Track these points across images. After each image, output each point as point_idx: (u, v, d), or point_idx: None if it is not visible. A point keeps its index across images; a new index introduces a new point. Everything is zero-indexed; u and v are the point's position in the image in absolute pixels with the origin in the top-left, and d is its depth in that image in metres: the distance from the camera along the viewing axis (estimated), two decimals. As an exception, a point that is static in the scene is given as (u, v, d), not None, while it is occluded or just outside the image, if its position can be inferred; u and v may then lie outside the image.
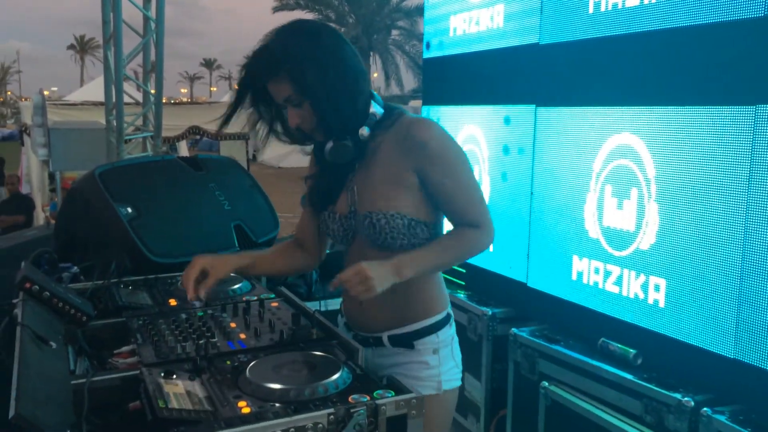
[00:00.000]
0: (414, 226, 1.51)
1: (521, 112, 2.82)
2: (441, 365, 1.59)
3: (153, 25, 5.40)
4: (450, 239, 1.56)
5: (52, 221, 6.72)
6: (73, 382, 1.27)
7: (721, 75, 1.98)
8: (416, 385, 1.50)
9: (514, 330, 2.65)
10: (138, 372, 1.33)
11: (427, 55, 3.55)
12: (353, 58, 1.50)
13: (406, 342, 1.59)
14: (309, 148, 1.63)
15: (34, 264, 1.88)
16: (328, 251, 1.77)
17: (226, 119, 1.53)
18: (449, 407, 1.65)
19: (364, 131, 1.50)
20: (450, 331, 1.64)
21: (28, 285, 1.54)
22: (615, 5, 2.32)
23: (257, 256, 1.71)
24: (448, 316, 1.64)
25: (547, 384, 2.42)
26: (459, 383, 1.66)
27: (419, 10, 21.99)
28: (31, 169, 9.43)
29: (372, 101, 1.52)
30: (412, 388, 1.28)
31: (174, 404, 1.17)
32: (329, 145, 1.51)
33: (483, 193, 1.57)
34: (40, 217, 8.45)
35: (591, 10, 2.43)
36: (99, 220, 2.22)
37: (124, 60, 5.28)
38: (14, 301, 1.62)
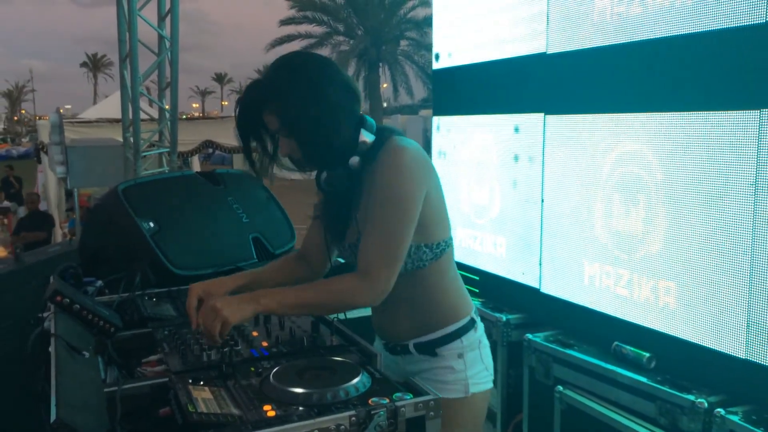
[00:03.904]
0: (414, 250, 1.55)
1: (530, 120, 2.86)
2: (467, 369, 1.63)
3: (167, 43, 5.51)
4: (322, 282, 1.60)
5: (70, 237, 6.85)
6: (105, 389, 1.33)
7: (727, 80, 2.02)
8: (442, 388, 1.55)
9: (528, 335, 2.68)
10: (167, 379, 1.39)
11: (436, 65, 3.61)
12: (339, 93, 1.50)
13: (430, 349, 1.65)
14: None
15: (59, 278, 1.96)
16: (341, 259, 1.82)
17: (248, 159, 1.59)
18: (478, 410, 1.69)
19: (355, 161, 1.52)
20: (476, 335, 1.67)
21: (59, 298, 1.61)
22: (620, 14, 2.37)
23: (254, 275, 1.73)
24: (472, 321, 1.68)
25: (561, 388, 2.45)
26: (488, 386, 1.70)
27: (427, 21, 22.04)
28: (48, 186, 9.58)
29: (363, 129, 1.53)
30: (430, 391, 1.32)
31: (203, 409, 1.23)
32: (323, 175, 1.56)
33: (399, 248, 1.48)
34: (58, 233, 8.58)
35: (596, 18, 2.48)
36: (122, 234, 2.29)
37: (140, 78, 5.40)
38: (43, 314, 1.69)
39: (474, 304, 1.74)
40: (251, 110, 1.52)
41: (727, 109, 2.00)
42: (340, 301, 1.51)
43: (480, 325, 1.71)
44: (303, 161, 1.56)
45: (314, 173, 1.63)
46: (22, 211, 9.25)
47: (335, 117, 1.48)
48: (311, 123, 1.47)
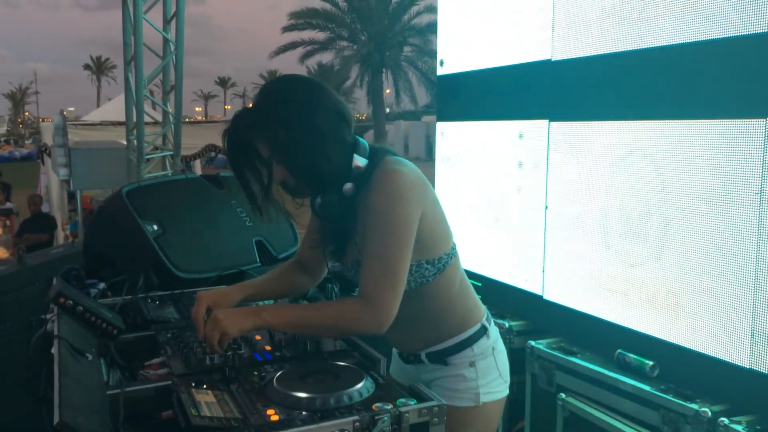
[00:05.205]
0: (416, 269, 1.54)
1: (534, 126, 2.86)
2: (479, 377, 1.63)
3: (172, 46, 5.52)
4: (327, 304, 1.63)
5: (73, 239, 6.85)
6: (108, 392, 1.33)
7: (733, 89, 2.02)
8: (454, 397, 1.56)
9: (530, 342, 2.67)
10: (170, 382, 1.38)
11: (441, 71, 3.61)
12: (327, 118, 1.49)
13: (441, 359, 1.65)
14: None
15: (62, 280, 1.95)
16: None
17: (245, 189, 1.58)
18: (490, 419, 1.68)
19: (348, 187, 1.51)
20: (488, 342, 1.66)
21: (62, 300, 1.61)
22: (626, 21, 2.37)
23: (258, 285, 1.74)
24: (484, 328, 1.67)
25: (564, 396, 2.44)
26: (502, 395, 1.69)
27: (430, 28, 22.13)
28: (51, 188, 9.59)
29: (356, 153, 1.52)
30: (434, 397, 1.32)
31: (206, 412, 1.22)
32: (318, 200, 1.55)
33: (399, 272, 1.46)
34: (60, 235, 8.58)
35: (602, 26, 2.48)
36: (126, 237, 2.28)
37: (144, 81, 5.41)
38: (46, 315, 1.69)
39: (486, 310, 1.73)
40: (241, 139, 1.52)
41: (733, 118, 2.00)
42: (343, 326, 1.50)
43: (493, 331, 1.69)
44: (297, 188, 1.56)
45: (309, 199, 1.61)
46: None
47: (324, 143, 1.48)
48: (299, 149, 1.47)
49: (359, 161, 1.52)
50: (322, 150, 1.48)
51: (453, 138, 3.50)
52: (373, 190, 1.49)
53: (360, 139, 1.57)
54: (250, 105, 1.56)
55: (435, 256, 1.57)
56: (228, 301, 1.62)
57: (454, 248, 1.64)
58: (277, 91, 1.52)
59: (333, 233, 1.63)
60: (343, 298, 1.57)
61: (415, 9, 24.72)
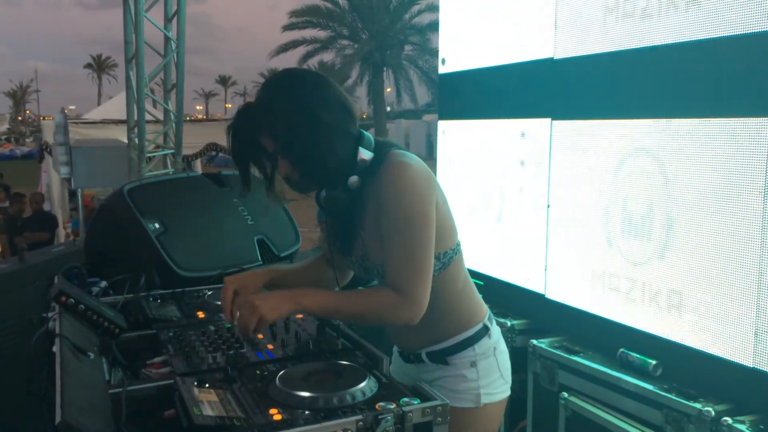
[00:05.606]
0: None
1: (537, 125, 2.86)
2: (480, 378, 1.62)
3: (173, 44, 5.51)
4: (365, 292, 1.57)
5: (74, 237, 6.85)
6: (110, 391, 1.32)
7: (736, 87, 2.01)
8: (454, 397, 1.54)
9: (533, 341, 2.67)
10: (172, 381, 1.38)
11: (442, 69, 3.60)
12: (330, 112, 1.48)
13: (441, 358, 1.64)
14: None
15: (64, 278, 1.95)
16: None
17: (245, 182, 1.57)
18: (491, 420, 1.67)
19: (354, 180, 1.50)
20: (490, 342, 1.65)
21: (63, 298, 1.60)
22: (629, 19, 2.36)
23: (285, 272, 1.74)
24: (485, 327, 1.66)
25: (566, 395, 2.43)
26: (503, 396, 1.67)
27: (431, 27, 22.10)
28: (52, 186, 9.58)
29: (361, 146, 1.51)
30: (437, 396, 1.31)
31: (209, 412, 1.22)
32: (322, 194, 1.54)
33: (426, 263, 1.47)
34: (61, 234, 8.58)
35: (605, 24, 2.47)
36: (128, 235, 2.28)
37: (145, 79, 5.40)
38: (47, 314, 1.68)
39: (488, 310, 1.72)
40: (245, 134, 1.51)
41: (736, 116, 1.99)
42: (380, 315, 1.50)
43: (495, 331, 1.69)
44: (301, 182, 1.54)
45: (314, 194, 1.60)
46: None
47: (327, 136, 1.47)
48: (303, 143, 1.46)
49: (365, 154, 1.51)
50: (326, 142, 1.47)
51: (454, 136, 3.49)
52: (385, 184, 1.48)
53: (365, 132, 1.56)
54: (254, 99, 1.54)
55: (440, 251, 1.56)
56: (255, 284, 1.62)
57: (458, 245, 1.63)
58: (280, 84, 1.51)
59: (338, 228, 1.62)
60: (378, 287, 1.55)
61: (416, 8, 24.69)
